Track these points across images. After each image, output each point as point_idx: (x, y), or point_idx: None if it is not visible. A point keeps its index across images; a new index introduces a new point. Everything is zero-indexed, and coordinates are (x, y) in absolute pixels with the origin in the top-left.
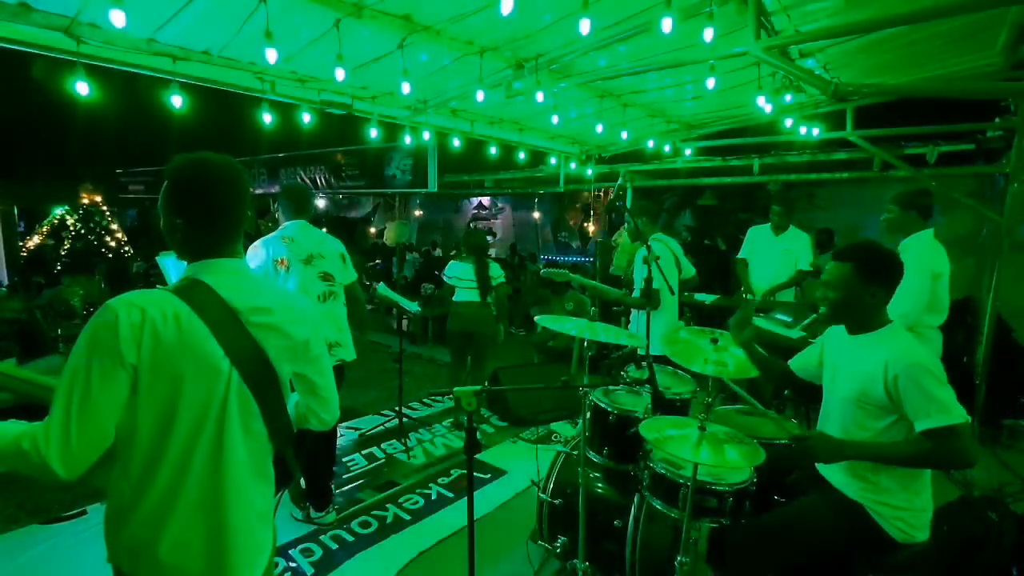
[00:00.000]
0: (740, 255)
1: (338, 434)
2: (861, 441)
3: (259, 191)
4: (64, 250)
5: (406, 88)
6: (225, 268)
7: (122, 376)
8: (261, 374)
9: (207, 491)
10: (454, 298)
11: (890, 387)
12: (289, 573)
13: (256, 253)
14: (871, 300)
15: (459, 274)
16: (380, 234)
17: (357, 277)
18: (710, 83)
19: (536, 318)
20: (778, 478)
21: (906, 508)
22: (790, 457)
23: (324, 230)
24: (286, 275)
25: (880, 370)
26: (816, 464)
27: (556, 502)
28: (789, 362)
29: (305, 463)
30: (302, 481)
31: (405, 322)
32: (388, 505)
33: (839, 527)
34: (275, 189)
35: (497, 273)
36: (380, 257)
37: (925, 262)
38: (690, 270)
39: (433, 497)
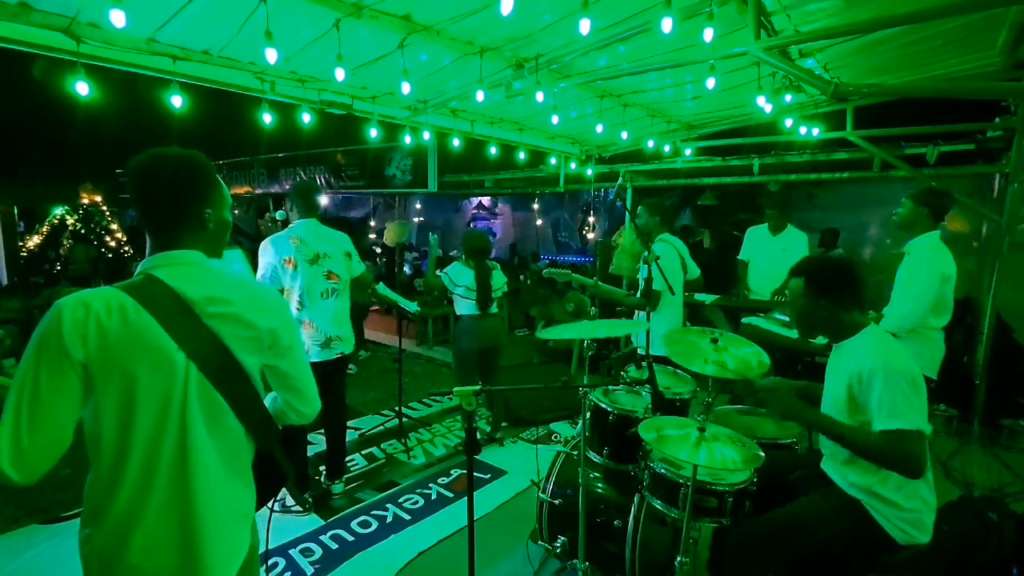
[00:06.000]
0: (740, 256)
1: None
2: (825, 414)
3: (259, 191)
4: (63, 250)
5: (406, 88)
6: (179, 260)
7: (71, 375)
8: (222, 366)
9: (176, 491)
10: (459, 311)
11: (855, 388)
12: (289, 573)
13: (266, 250)
14: (823, 313)
15: (464, 282)
16: (380, 234)
17: (366, 268)
18: (710, 83)
19: (538, 333)
20: (780, 477)
21: (910, 511)
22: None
23: None
24: (294, 274)
25: (849, 372)
26: (820, 464)
27: (556, 502)
28: None
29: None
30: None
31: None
32: (388, 505)
33: (841, 527)
34: (275, 189)
35: (500, 283)
36: (380, 257)
37: (934, 264)
38: (695, 271)
39: (433, 497)
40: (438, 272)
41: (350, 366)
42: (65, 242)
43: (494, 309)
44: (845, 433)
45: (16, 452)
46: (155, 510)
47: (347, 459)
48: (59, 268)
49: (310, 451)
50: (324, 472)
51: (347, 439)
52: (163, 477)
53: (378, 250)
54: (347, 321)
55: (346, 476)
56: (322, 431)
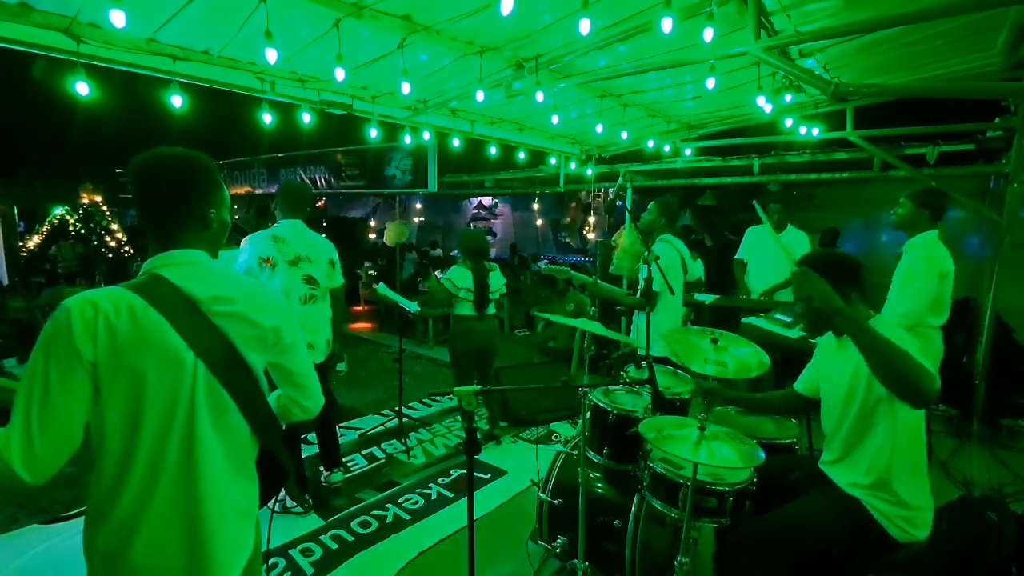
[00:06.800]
0: (738, 255)
1: (336, 419)
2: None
3: (259, 191)
4: (52, 249)
5: (406, 88)
6: (183, 259)
7: (81, 374)
8: (230, 365)
9: (182, 489)
10: (457, 312)
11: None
12: (289, 573)
13: (244, 248)
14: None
15: (466, 285)
16: (380, 234)
17: (343, 284)
18: (710, 83)
19: (533, 310)
20: (779, 477)
21: (908, 507)
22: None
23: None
24: (271, 273)
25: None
26: (819, 463)
27: (556, 502)
28: (794, 385)
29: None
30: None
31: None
32: (388, 505)
33: (841, 526)
34: (275, 189)
35: (498, 285)
36: (380, 258)
37: (933, 262)
38: (696, 272)
39: (433, 497)
40: (440, 277)
41: (339, 365)
42: (60, 240)
43: (491, 310)
44: (875, 336)
45: (28, 454)
46: (160, 509)
47: (347, 459)
48: (48, 266)
49: (305, 452)
50: (323, 469)
51: (347, 439)
52: (169, 476)
53: (391, 253)
54: (324, 329)
55: (346, 476)
56: (312, 433)
